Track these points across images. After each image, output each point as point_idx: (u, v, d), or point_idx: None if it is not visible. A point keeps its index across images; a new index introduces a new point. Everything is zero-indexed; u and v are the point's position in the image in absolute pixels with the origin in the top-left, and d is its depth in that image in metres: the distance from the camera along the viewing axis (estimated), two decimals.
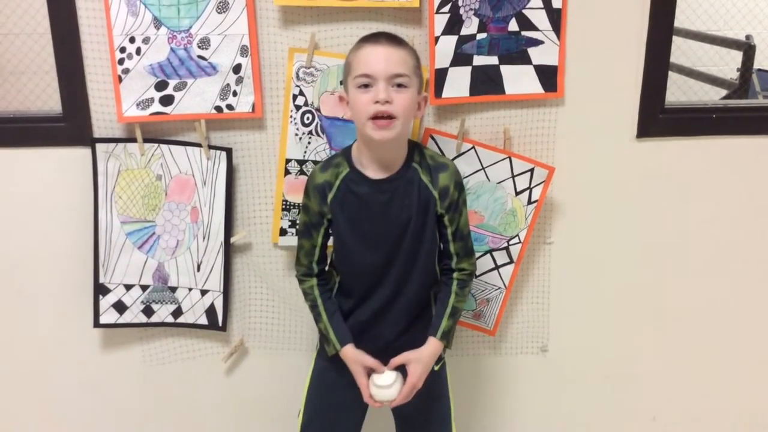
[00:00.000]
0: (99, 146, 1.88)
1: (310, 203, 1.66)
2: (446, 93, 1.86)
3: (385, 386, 1.63)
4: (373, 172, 1.61)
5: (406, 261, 1.63)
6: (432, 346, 1.65)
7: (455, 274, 1.69)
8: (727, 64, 3.14)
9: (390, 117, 1.51)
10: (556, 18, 1.85)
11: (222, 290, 1.99)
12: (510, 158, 1.91)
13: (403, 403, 1.65)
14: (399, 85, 1.52)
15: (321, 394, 1.76)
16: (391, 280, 1.64)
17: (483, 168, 1.92)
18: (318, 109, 1.87)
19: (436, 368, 1.72)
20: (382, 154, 1.60)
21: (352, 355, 1.65)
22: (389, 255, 1.62)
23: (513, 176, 1.93)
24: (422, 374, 1.64)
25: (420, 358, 1.64)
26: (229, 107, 1.86)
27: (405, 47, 1.58)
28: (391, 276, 1.63)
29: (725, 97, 2.88)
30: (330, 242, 1.70)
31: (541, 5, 1.84)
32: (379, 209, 1.61)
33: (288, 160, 1.90)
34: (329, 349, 1.68)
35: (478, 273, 1.99)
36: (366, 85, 1.52)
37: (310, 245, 1.68)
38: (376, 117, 1.51)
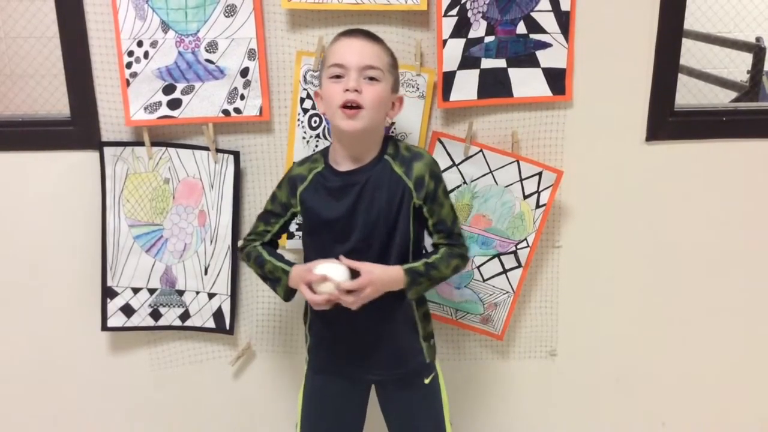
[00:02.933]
0: (107, 150, 1.88)
1: (279, 193, 1.68)
2: (454, 96, 1.86)
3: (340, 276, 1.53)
4: (345, 167, 1.61)
5: (378, 256, 1.58)
6: (393, 269, 1.56)
7: (443, 248, 1.64)
8: (737, 66, 3.12)
9: (358, 107, 1.51)
10: (564, 20, 1.84)
11: (229, 293, 1.99)
12: (518, 161, 1.90)
13: (348, 300, 1.52)
14: (371, 78, 1.53)
15: (316, 407, 1.73)
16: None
17: (491, 171, 1.91)
18: (325, 113, 1.86)
19: (426, 381, 1.68)
20: (353, 147, 1.59)
21: (297, 271, 1.61)
22: (359, 249, 1.58)
23: (521, 180, 1.92)
24: (369, 282, 1.52)
25: (372, 270, 1.53)
26: (237, 111, 1.86)
27: (380, 44, 1.58)
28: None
29: (735, 100, 2.86)
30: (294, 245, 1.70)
31: (550, 8, 1.83)
32: (348, 201, 1.58)
33: None
34: (280, 290, 1.64)
35: (485, 276, 1.99)
36: (338, 76, 1.53)
37: (263, 229, 1.70)
38: (344, 106, 1.51)
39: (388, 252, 1.60)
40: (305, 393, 1.74)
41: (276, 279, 1.66)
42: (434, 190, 1.60)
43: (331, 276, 1.51)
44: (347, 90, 1.50)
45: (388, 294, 1.58)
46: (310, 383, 1.74)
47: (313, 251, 1.65)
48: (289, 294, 1.66)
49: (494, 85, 1.87)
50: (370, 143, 1.60)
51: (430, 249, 1.70)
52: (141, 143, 1.88)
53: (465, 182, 1.92)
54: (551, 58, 1.87)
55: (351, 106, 1.51)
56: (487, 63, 1.85)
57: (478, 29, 1.83)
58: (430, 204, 1.61)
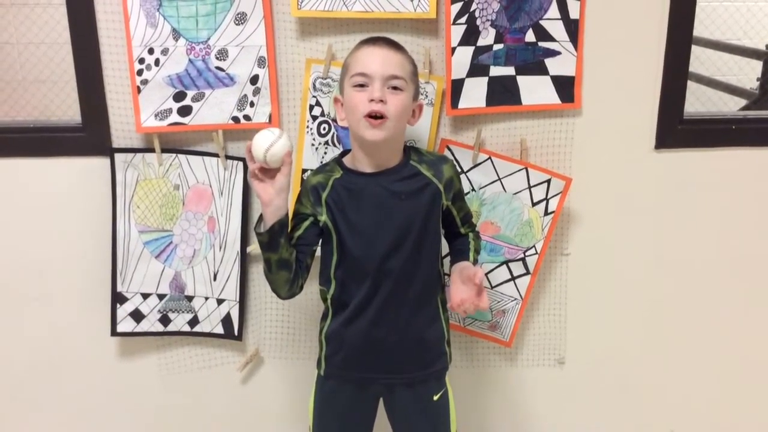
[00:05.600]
0: (117, 156, 1.89)
1: (302, 207, 1.63)
2: (462, 104, 1.86)
3: (261, 134, 1.52)
4: (369, 169, 1.60)
5: (408, 257, 1.58)
6: (467, 264, 1.65)
7: (470, 233, 1.74)
8: (747, 74, 3.12)
9: (382, 117, 1.51)
10: (573, 29, 1.85)
11: (238, 299, 2.00)
12: (527, 169, 1.91)
13: (483, 305, 1.54)
14: (394, 88, 1.53)
15: (328, 413, 1.72)
16: (394, 280, 1.58)
17: (499, 179, 1.92)
18: (334, 120, 1.87)
19: (435, 398, 1.68)
20: (375, 156, 1.59)
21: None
22: (389, 251, 1.57)
23: (529, 187, 1.92)
24: (472, 266, 1.63)
25: (463, 265, 1.63)
26: (246, 118, 1.87)
27: (403, 52, 1.59)
28: (392, 276, 1.58)
29: (745, 107, 2.85)
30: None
31: (559, 16, 1.83)
32: (374, 202, 1.58)
33: (304, 170, 1.90)
34: (259, 229, 1.56)
35: (494, 283, 1.99)
36: (362, 85, 1.53)
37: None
38: (369, 116, 1.51)
39: (419, 253, 1.60)
40: (317, 399, 1.73)
41: (260, 237, 1.56)
42: (459, 189, 1.67)
43: (258, 144, 1.50)
44: (372, 100, 1.50)
45: (416, 306, 1.62)
46: (322, 391, 1.72)
47: (340, 257, 1.61)
48: (267, 230, 1.55)
49: (503, 93, 1.87)
50: (392, 151, 1.60)
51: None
52: (151, 150, 1.89)
53: (473, 189, 1.93)
54: (560, 65, 1.87)
55: (375, 116, 1.51)
56: (495, 71, 1.86)
57: (486, 37, 1.83)
58: (458, 202, 1.68)
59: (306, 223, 1.62)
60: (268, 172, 1.54)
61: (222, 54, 1.83)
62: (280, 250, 1.56)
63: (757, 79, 2.97)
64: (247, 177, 1.58)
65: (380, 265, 1.58)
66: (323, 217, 1.60)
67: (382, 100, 1.50)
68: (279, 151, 1.51)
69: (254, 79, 1.85)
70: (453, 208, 1.67)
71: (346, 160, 1.64)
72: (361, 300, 1.61)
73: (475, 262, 1.70)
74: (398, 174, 1.60)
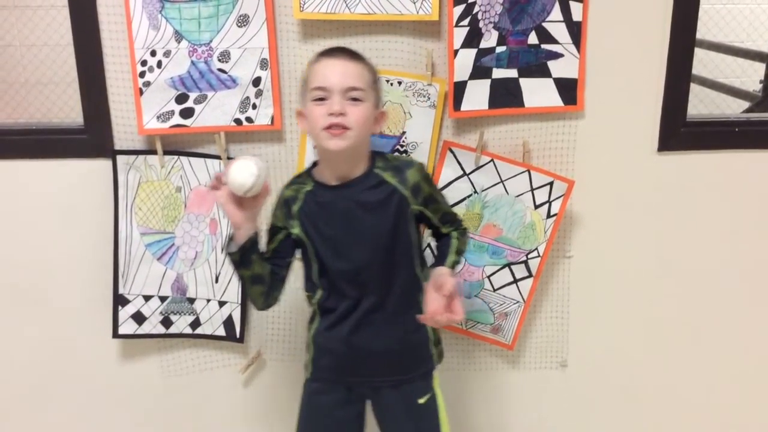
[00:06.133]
0: (120, 158, 1.89)
1: (276, 220, 1.63)
2: (465, 106, 1.86)
3: (239, 170, 1.46)
4: (335, 183, 1.59)
5: (383, 266, 1.59)
6: (443, 270, 1.59)
7: (453, 232, 1.69)
8: (750, 76, 3.12)
9: (344, 128, 1.50)
10: (576, 31, 1.84)
11: (240, 302, 1.99)
12: (529, 171, 1.90)
13: (456, 318, 1.49)
14: (354, 99, 1.51)
15: (314, 415, 1.71)
16: (372, 289, 1.59)
17: (502, 181, 1.91)
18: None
19: (421, 401, 1.66)
20: (340, 166, 1.58)
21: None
22: (363, 262, 1.58)
23: (532, 189, 1.91)
24: (449, 274, 1.56)
25: (437, 272, 1.56)
26: (249, 120, 1.87)
27: (362, 62, 1.56)
28: (370, 285, 1.59)
29: (748, 110, 2.85)
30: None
31: (561, 18, 1.83)
32: (343, 215, 1.58)
33: None
34: (230, 249, 1.55)
35: (496, 286, 1.98)
36: (322, 99, 1.51)
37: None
38: (329, 127, 1.49)
39: (394, 261, 1.60)
40: (303, 401, 1.73)
41: (232, 255, 1.56)
42: (430, 192, 1.63)
43: (238, 182, 1.45)
44: (332, 114, 1.49)
45: (398, 312, 1.61)
46: (309, 397, 1.72)
47: (318, 271, 1.62)
48: (239, 249, 1.54)
49: (505, 95, 1.87)
50: (357, 160, 1.58)
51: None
52: (153, 152, 1.89)
53: (476, 192, 1.92)
54: (563, 68, 1.87)
55: (336, 126, 1.49)
56: (498, 73, 1.85)
57: (489, 39, 1.83)
58: (431, 205, 1.64)
59: (280, 236, 1.63)
60: (243, 199, 1.51)
61: (224, 56, 1.83)
62: (253, 266, 1.56)
63: (760, 82, 2.97)
64: (211, 193, 1.53)
65: (356, 276, 1.59)
66: (296, 230, 1.61)
67: (342, 113, 1.49)
68: (260, 187, 1.48)
69: (256, 81, 1.85)
70: (427, 211, 1.63)
71: (316, 172, 1.63)
72: (346, 307, 1.62)
73: (455, 263, 1.65)
74: (363, 184, 1.58)
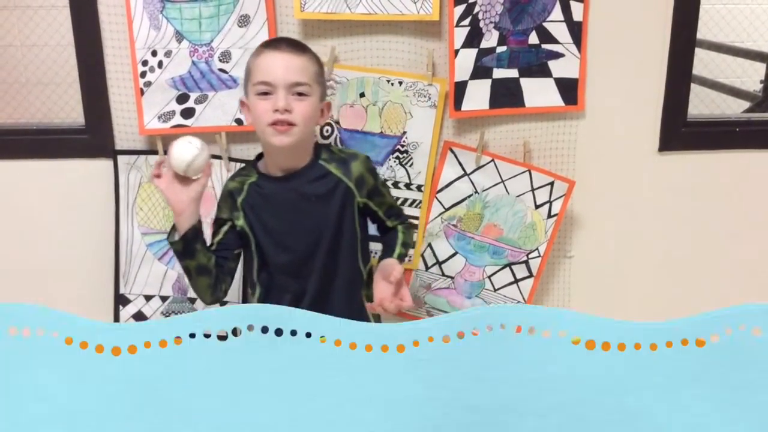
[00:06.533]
0: (121, 158, 1.89)
1: (221, 212, 1.62)
2: (465, 106, 1.86)
3: (181, 146, 1.46)
4: (279, 174, 1.58)
5: (325, 258, 1.58)
6: (391, 261, 1.59)
7: (399, 226, 1.68)
8: (750, 76, 3.11)
9: (290, 124, 1.48)
10: (576, 31, 1.84)
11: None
12: (530, 171, 1.90)
13: (404, 305, 1.51)
14: (299, 93, 1.49)
15: None
16: (314, 282, 1.59)
17: (502, 181, 1.91)
18: (337, 122, 1.87)
19: None
20: (284, 159, 1.56)
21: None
22: (306, 253, 1.58)
23: (533, 189, 1.92)
24: (392, 263, 1.57)
25: (385, 262, 1.57)
26: None
27: (306, 53, 1.53)
28: (312, 277, 1.58)
29: (748, 110, 2.84)
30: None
31: (562, 18, 1.83)
32: (287, 207, 1.57)
33: None
34: (173, 238, 1.53)
35: (496, 286, 1.98)
36: (266, 93, 1.49)
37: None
38: (275, 123, 1.48)
39: (337, 253, 1.59)
40: None
41: (174, 245, 1.54)
42: (375, 185, 1.62)
43: (179, 157, 1.45)
44: (276, 110, 1.47)
45: (342, 306, 1.60)
46: None
47: (260, 263, 1.61)
48: (181, 238, 1.52)
49: (506, 95, 1.87)
50: (301, 153, 1.57)
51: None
52: (154, 152, 1.89)
53: (476, 192, 1.93)
54: (563, 68, 1.87)
55: (282, 123, 1.48)
56: (499, 73, 1.86)
57: (490, 39, 1.83)
58: (376, 197, 1.63)
59: (225, 228, 1.61)
60: (184, 179, 1.50)
61: (225, 56, 1.83)
62: (198, 256, 1.53)
63: (761, 82, 2.96)
64: (153, 182, 1.53)
65: (298, 268, 1.58)
66: (240, 222, 1.60)
67: (287, 110, 1.47)
68: (201, 164, 1.48)
69: None
70: (371, 203, 1.62)
71: (261, 164, 1.62)
72: (288, 303, 1.56)
73: (403, 256, 1.64)
74: (307, 176, 1.57)
